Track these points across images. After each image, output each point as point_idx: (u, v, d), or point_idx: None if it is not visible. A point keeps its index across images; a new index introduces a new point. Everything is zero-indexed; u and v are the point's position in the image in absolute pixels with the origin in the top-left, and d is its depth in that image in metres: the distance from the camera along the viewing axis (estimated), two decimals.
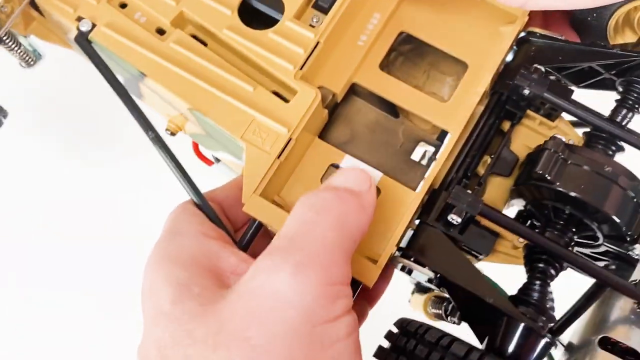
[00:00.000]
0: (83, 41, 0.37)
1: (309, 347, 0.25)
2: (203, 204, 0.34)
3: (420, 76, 0.43)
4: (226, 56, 0.38)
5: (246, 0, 0.39)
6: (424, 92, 0.42)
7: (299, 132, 0.35)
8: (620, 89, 0.37)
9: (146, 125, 0.36)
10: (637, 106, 0.36)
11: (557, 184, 0.33)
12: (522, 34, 0.39)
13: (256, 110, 0.35)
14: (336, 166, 0.39)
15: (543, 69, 0.36)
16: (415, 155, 0.41)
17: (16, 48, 0.44)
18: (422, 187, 0.35)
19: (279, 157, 0.35)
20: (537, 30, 0.39)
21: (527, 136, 0.39)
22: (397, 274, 0.40)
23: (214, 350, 0.25)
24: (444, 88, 0.42)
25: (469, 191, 0.34)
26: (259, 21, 0.40)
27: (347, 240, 0.29)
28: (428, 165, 0.41)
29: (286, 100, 0.37)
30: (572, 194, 0.33)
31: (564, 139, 0.34)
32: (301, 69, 0.36)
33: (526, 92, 0.36)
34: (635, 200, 0.33)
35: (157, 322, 0.27)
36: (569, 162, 0.33)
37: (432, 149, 0.42)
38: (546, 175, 0.33)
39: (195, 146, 0.44)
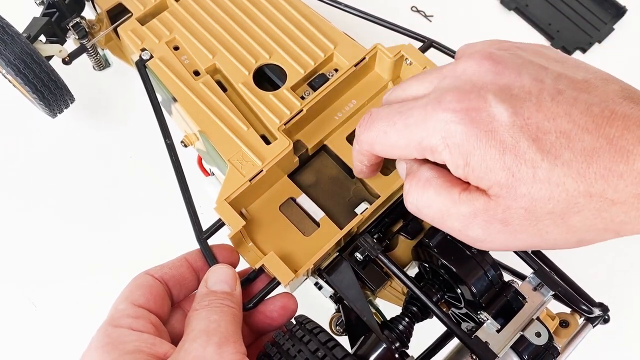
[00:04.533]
0: (141, 66, 0.52)
1: None
2: (186, 198, 0.48)
3: None
4: (236, 102, 0.52)
5: (261, 68, 0.53)
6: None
7: (270, 167, 0.49)
8: None
9: (166, 133, 0.50)
10: None
11: (435, 250, 0.46)
12: None
13: (244, 144, 0.49)
14: (294, 200, 0.52)
15: None
16: (358, 209, 0.54)
17: (95, 55, 0.59)
18: (345, 228, 0.48)
19: (250, 180, 0.48)
20: None
21: None
22: None
23: None
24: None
25: (375, 240, 0.47)
26: (268, 82, 0.54)
27: (238, 326, 0.39)
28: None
29: (268, 143, 0.50)
30: (443, 260, 0.45)
31: None
32: (285, 124, 0.50)
33: None
34: (490, 280, 0.45)
35: None
36: (449, 236, 0.46)
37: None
38: (430, 242, 0.46)
39: (199, 159, 0.58)
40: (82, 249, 0.72)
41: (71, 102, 0.56)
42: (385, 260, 0.47)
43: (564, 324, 0.50)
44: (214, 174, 0.58)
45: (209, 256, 0.46)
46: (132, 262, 0.68)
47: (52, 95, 0.52)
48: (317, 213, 0.51)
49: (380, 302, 0.52)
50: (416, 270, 0.52)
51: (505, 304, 0.46)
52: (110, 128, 0.75)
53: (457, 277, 0.45)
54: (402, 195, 0.51)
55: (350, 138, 0.54)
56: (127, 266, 0.69)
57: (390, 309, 0.51)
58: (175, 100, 0.51)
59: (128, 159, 0.73)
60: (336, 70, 0.54)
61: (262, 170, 0.49)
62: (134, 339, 0.37)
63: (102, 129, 0.75)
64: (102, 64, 0.60)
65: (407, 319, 0.46)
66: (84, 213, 0.73)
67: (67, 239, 0.72)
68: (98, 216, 0.73)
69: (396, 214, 0.51)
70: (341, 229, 0.50)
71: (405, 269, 0.51)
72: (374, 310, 0.50)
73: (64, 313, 0.69)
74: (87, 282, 0.70)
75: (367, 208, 0.54)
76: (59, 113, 0.56)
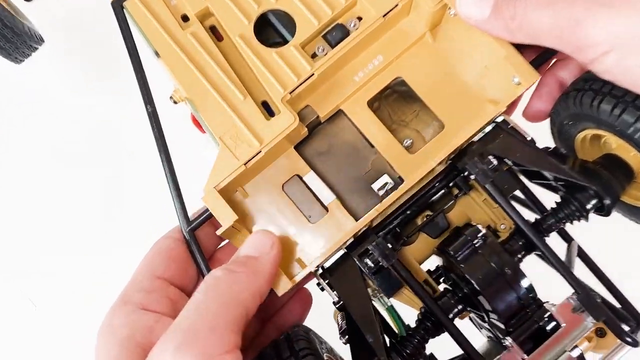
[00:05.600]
0: (117, 6, 0.42)
1: None
2: (171, 179, 0.41)
3: (409, 114, 0.47)
4: (233, 56, 0.43)
5: (265, 14, 0.43)
6: (409, 128, 0.47)
7: (270, 147, 0.40)
8: (559, 200, 0.41)
9: (147, 99, 0.41)
10: (564, 221, 0.40)
11: (462, 266, 0.38)
12: (499, 119, 0.43)
13: (239, 118, 0.40)
14: (300, 177, 0.44)
15: (495, 162, 0.40)
16: (376, 185, 0.46)
17: None
18: (357, 224, 0.40)
19: (245, 164, 0.40)
20: (510, 122, 0.42)
21: (469, 206, 0.44)
22: None
23: None
24: (428, 129, 0.46)
25: (390, 243, 0.40)
26: (273, 29, 0.44)
27: (233, 309, 0.32)
28: (383, 197, 0.46)
29: (271, 114, 0.41)
30: (470, 279, 0.38)
31: (483, 231, 0.39)
32: (291, 93, 0.41)
33: (472, 177, 0.40)
34: (522, 303, 0.38)
35: None
36: (479, 252, 0.38)
37: (392, 183, 0.47)
38: (456, 256, 0.39)
39: (193, 116, 0.49)
40: (78, 241, 0.68)
41: (39, 45, 0.47)
42: (401, 271, 0.40)
43: (600, 332, 0.43)
44: None
45: (197, 251, 0.40)
46: (128, 247, 0.64)
47: (10, 43, 0.43)
48: (327, 196, 0.44)
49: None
50: (435, 261, 0.45)
51: (536, 329, 0.39)
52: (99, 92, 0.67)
53: (483, 297, 0.39)
54: (430, 182, 0.42)
55: (373, 102, 0.44)
56: (124, 251, 0.65)
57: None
58: (157, 55, 0.42)
59: (128, 154, 0.67)
60: (359, 18, 0.43)
61: (260, 152, 0.40)
62: (133, 319, 0.34)
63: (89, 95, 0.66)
64: None
65: (418, 338, 0.40)
66: (81, 207, 0.68)
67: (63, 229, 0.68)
68: (94, 208, 0.68)
69: (420, 205, 0.43)
70: (354, 213, 0.43)
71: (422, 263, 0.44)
72: (384, 312, 0.44)
73: (60, 304, 0.66)
74: (84, 272, 0.67)
75: (386, 183, 0.46)
76: (26, 58, 0.47)
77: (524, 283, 0.38)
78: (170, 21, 0.42)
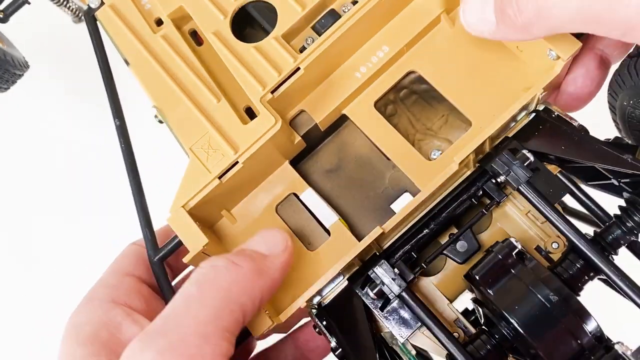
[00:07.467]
0: (89, 17, 0.38)
1: None
2: (138, 200, 0.35)
3: (436, 120, 0.39)
4: (213, 61, 0.37)
5: (245, 8, 0.37)
6: (438, 137, 0.39)
7: (248, 156, 0.34)
8: (625, 205, 0.30)
9: (116, 113, 0.36)
10: (636, 231, 0.30)
11: (491, 292, 0.29)
12: (540, 107, 0.33)
13: (211, 124, 0.34)
14: (296, 196, 0.37)
15: (532, 158, 0.30)
16: (397, 205, 0.38)
17: (65, 3, 0.47)
18: (358, 246, 0.32)
19: (220, 178, 0.34)
20: (556, 109, 0.33)
21: (509, 222, 0.34)
22: None
23: None
24: (463, 136, 0.38)
25: (397, 271, 0.31)
26: (261, 28, 0.38)
27: (230, 313, 0.27)
28: None
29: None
30: (505, 313, 0.28)
31: (518, 246, 0.29)
32: (273, 92, 0.34)
33: (501, 179, 0.31)
34: (580, 346, 0.28)
35: None
36: (515, 275, 0.28)
37: None
38: (482, 281, 0.29)
39: None
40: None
41: (23, 72, 0.44)
42: (412, 303, 0.30)
43: None
44: None
45: (164, 282, 0.34)
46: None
47: None
48: (328, 217, 0.36)
49: None
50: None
51: None
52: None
53: (524, 338, 0.28)
54: (452, 193, 0.33)
55: (386, 105, 0.37)
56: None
57: None
58: (127, 63, 0.37)
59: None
60: (354, 2, 0.37)
61: (237, 162, 0.34)
62: (98, 315, 0.30)
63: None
64: (79, 14, 0.48)
65: None
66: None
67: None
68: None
69: (442, 220, 0.33)
70: (361, 237, 0.34)
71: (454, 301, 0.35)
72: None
73: None
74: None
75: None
76: (11, 85, 0.44)
77: (587, 322, 0.28)
78: (141, 26, 0.37)
